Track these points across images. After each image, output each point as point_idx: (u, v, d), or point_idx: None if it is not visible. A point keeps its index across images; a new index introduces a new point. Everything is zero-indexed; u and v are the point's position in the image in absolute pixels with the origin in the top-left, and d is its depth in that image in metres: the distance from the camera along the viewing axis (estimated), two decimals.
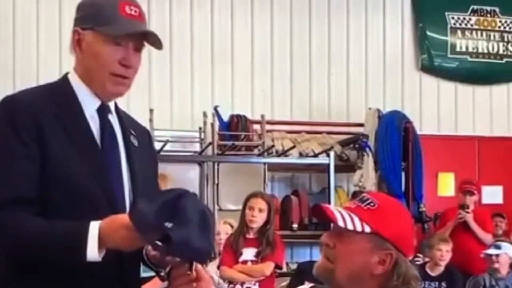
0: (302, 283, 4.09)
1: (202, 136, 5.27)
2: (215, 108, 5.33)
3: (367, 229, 1.31)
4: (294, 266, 5.19)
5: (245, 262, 3.83)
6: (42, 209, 1.41)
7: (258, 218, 3.82)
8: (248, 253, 3.84)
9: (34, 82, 4.77)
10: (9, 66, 5.31)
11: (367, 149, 5.52)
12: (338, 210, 1.36)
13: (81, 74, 1.51)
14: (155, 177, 1.63)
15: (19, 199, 1.39)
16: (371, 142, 5.55)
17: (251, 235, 3.87)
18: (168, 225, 1.28)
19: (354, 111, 5.90)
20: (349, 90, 6.01)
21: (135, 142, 1.56)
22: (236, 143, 5.16)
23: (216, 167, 5.14)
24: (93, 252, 1.35)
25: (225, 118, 5.37)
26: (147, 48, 5.80)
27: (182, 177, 4.90)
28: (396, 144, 5.52)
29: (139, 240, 1.33)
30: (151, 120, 5.11)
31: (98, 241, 1.35)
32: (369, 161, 5.50)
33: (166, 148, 4.93)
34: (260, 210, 3.84)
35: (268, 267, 3.82)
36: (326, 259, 1.35)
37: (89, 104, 1.51)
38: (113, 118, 1.54)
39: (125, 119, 1.59)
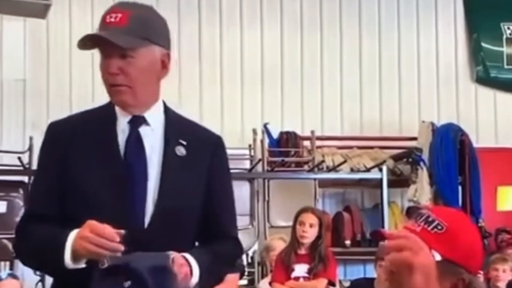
0: None
1: (252, 153, 5.38)
2: (265, 125, 5.44)
3: (437, 257, 1.23)
4: (347, 284, 5.19)
5: (297, 278, 3.86)
6: (64, 224, 1.49)
7: (309, 233, 3.86)
8: (300, 269, 3.87)
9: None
10: (66, 93, 5.53)
11: (421, 163, 5.50)
12: None
13: None
14: (215, 186, 1.59)
15: (39, 214, 1.53)
16: (425, 156, 5.52)
17: (302, 251, 3.90)
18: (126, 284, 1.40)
19: (406, 125, 5.89)
20: (401, 103, 6.01)
21: (183, 152, 1.56)
22: (286, 159, 5.25)
23: (266, 183, 5.24)
24: (68, 261, 1.43)
25: (275, 135, 5.47)
26: (198, 68, 6.05)
27: None
28: (452, 158, 5.48)
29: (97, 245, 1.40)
30: None
31: (72, 250, 1.43)
32: (423, 175, 5.48)
33: None
34: (311, 225, 3.87)
35: (321, 284, 3.84)
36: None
37: (122, 117, 1.56)
38: (150, 129, 1.56)
39: (176, 128, 1.59)
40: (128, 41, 1.49)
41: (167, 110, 1.62)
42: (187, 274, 1.46)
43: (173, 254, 1.44)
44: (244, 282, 4.17)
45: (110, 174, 1.51)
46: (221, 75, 5.75)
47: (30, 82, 5.42)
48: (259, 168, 5.26)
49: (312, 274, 3.85)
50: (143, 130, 1.56)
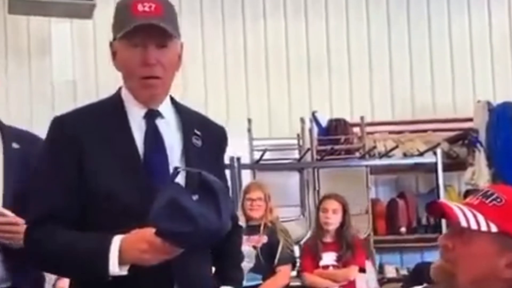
0: (420, 284, 4.11)
1: (301, 143, 5.42)
2: (313, 114, 5.47)
3: (494, 228, 1.21)
4: (404, 272, 5.20)
5: (326, 267, 3.93)
6: (81, 225, 1.48)
7: (332, 219, 3.93)
8: (329, 258, 3.94)
9: None
10: (114, 91, 5.74)
11: (478, 145, 5.42)
12: (458, 207, 1.26)
13: (125, 84, 1.58)
14: (220, 176, 1.59)
15: (56, 215, 1.47)
16: (482, 137, 5.43)
17: (328, 239, 3.98)
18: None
19: (461, 105, 5.81)
20: (454, 83, 5.92)
21: (198, 143, 1.57)
22: (336, 147, 5.26)
23: (316, 173, 5.28)
24: (114, 267, 1.40)
25: (324, 123, 5.49)
26: (244, 60, 6.10)
27: (282, 185, 5.09)
28: (510, 137, 5.38)
29: (159, 254, 1.40)
30: (249, 130, 5.36)
31: (119, 255, 1.40)
32: (481, 157, 5.40)
33: (265, 156, 5.16)
34: (334, 211, 3.94)
35: (352, 272, 3.91)
36: (445, 261, 1.27)
37: (135, 112, 1.54)
38: (165, 122, 1.56)
39: (189, 120, 1.59)
40: (174, 29, 1.49)
41: (175, 102, 1.62)
42: None
43: None
44: (295, 273, 4.25)
45: (131, 174, 1.48)
46: (267, 65, 5.81)
47: (80, 82, 5.64)
48: (308, 157, 5.31)
49: (342, 262, 3.90)
50: (159, 123, 1.55)
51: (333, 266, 3.93)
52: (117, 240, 1.42)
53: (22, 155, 1.84)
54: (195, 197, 1.40)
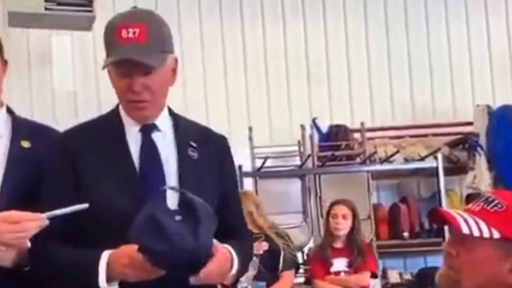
0: None
1: (301, 149, 5.44)
2: (314, 120, 5.49)
3: (496, 234, 1.23)
4: (407, 277, 5.20)
5: (337, 273, 3.92)
6: (81, 239, 1.50)
7: (342, 225, 3.94)
8: (340, 263, 3.94)
9: None
10: (115, 102, 5.76)
11: (479, 149, 5.44)
12: (460, 214, 1.28)
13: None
14: (227, 189, 1.62)
15: (57, 233, 1.49)
16: (482, 140, 5.45)
17: (338, 244, 3.98)
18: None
19: (460, 109, 5.83)
20: (453, 87, 5.94)
21: (194, 155, 1.57)
22: (336, 153, 5.28)
23: (317, 179, 5.30)
24: (103, 283, 1.43)
25: (324, 129, 5.51)
26: (243, 66, 6.13)
27: (284, 191, 5.11)
28: (510, 140, 5.38)
29: (138, 271, 1.40)
30: (250, 138, 5.37)
31: (107, 270, 1.42)
32: (481, 161, 5.42)
33: (267, 164, 5.17)
34: (344, 217, 3.94)
35: (365, 278, 3.91)
36: (449, 269, 1.30)
37: (131, 127, 1.56)
38: (161, 134, 1.57)
39: (185, 131, 1.59)
40: (155, 60, 1.48)
41: (173, 113, 1.63)
42: (229, 264, 1.53)
43: (217, 242, 1.48)
44: (301, 280, 4.26)
45: (127, 189, 1.50)
46: (267, 73, 5.84)
47: (81, 93, 5.67)
48: (309, 164, 5.32)
49: (353, 267, 3.90)
50: (155, 136, 1.57)
51: (345, 272, 3.92)
52: (105, 255, 1.45)
53: (31, 155, 1.68)
54: (178, 217, 1.41)
